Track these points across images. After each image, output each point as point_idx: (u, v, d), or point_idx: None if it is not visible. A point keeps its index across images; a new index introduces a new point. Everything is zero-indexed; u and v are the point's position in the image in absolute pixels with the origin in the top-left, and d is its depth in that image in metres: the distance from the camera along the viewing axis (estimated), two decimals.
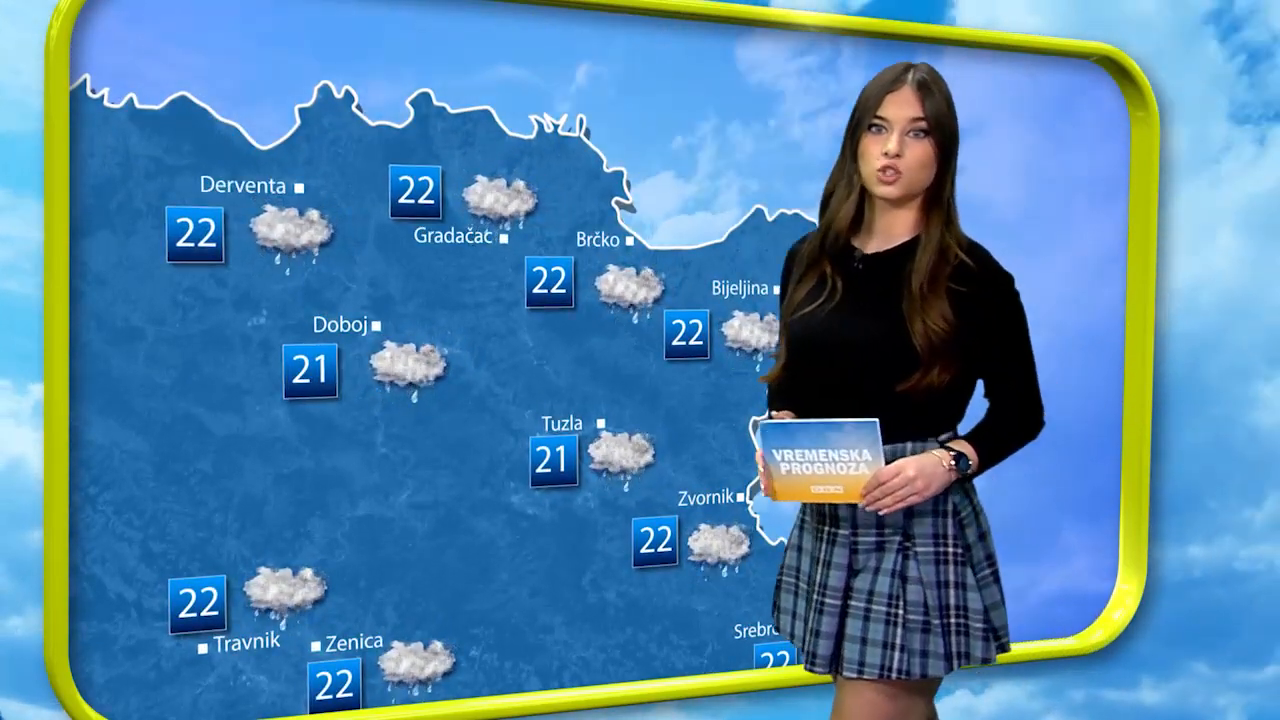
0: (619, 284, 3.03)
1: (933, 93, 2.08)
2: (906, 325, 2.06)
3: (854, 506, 2.12)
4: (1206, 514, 3.66)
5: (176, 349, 2.72)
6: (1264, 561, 3.72)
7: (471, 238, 2.92)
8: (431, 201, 2.88)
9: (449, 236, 2.90)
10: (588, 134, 2.99)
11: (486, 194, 2.92)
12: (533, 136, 2.95)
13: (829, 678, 2.19)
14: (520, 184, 2.94)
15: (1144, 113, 3.44)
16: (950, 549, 2.12)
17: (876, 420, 2.02)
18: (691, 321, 3.10)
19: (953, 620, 2.11)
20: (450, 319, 2.91)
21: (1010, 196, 3.40)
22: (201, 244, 2.71)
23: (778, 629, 2.30)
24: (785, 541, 2.29)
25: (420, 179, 2.87)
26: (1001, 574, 2.21)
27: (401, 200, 2.86)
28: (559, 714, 3.01)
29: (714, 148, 3.07)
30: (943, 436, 2.14)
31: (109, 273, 2.66)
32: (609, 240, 3.02)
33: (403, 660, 2.92)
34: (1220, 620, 3.70)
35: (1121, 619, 3.53)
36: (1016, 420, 2.20)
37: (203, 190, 2.71)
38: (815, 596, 2.15)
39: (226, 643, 2.79)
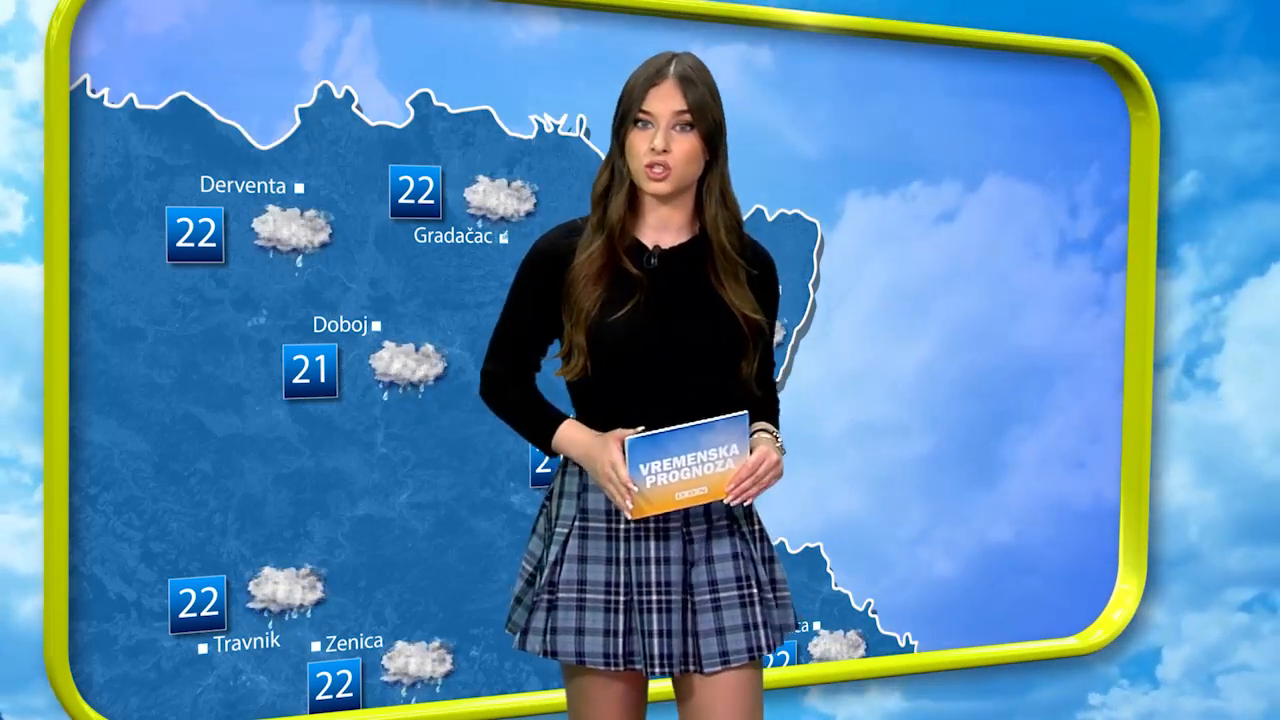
0: None
1: (695, 84, 2.06)
2: (731, 316, 2.08)
3: None
4: (1206, 513, 3.66)
5: (176, 349, 2.71)
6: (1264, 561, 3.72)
7: (471, 238, 2.92)
8: (431, 201, 2.88)
9: (449, 236, 2.90)
10: (588, 134, 2.99)
11: (487, 194, 2.92)
12: (533, 136, 2.95)
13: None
14: (520, 184, 2.94)
15: (1144, 113, 3.44)
16: (759, 526, 2.19)
17: (746, 413, 2.01)
18: None
19: (772, 594, 2.15)
20: (450, 319, 2.91)
21: (1010, 196, 3.39)
22: (201, 244, 2.71)
23: (551, 652, 2.08)
24: (548, 556, 2.13)
25: (420, 179, 2.87)
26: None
27: (401, 200, 2.86)
28: (559, 714, 3.00)
29: None
30: None
31: (109, 273, 2.66)
32: None
33: (403, 660, 2.92)
34: (1219, 619, 3.70)
35: (1121, 619, 3.53)
36: (776, 400, 2.23)
37: (203, 190, 2.71)
38: (652, 598, 2.07)
39: (226, 643, 2.79)
